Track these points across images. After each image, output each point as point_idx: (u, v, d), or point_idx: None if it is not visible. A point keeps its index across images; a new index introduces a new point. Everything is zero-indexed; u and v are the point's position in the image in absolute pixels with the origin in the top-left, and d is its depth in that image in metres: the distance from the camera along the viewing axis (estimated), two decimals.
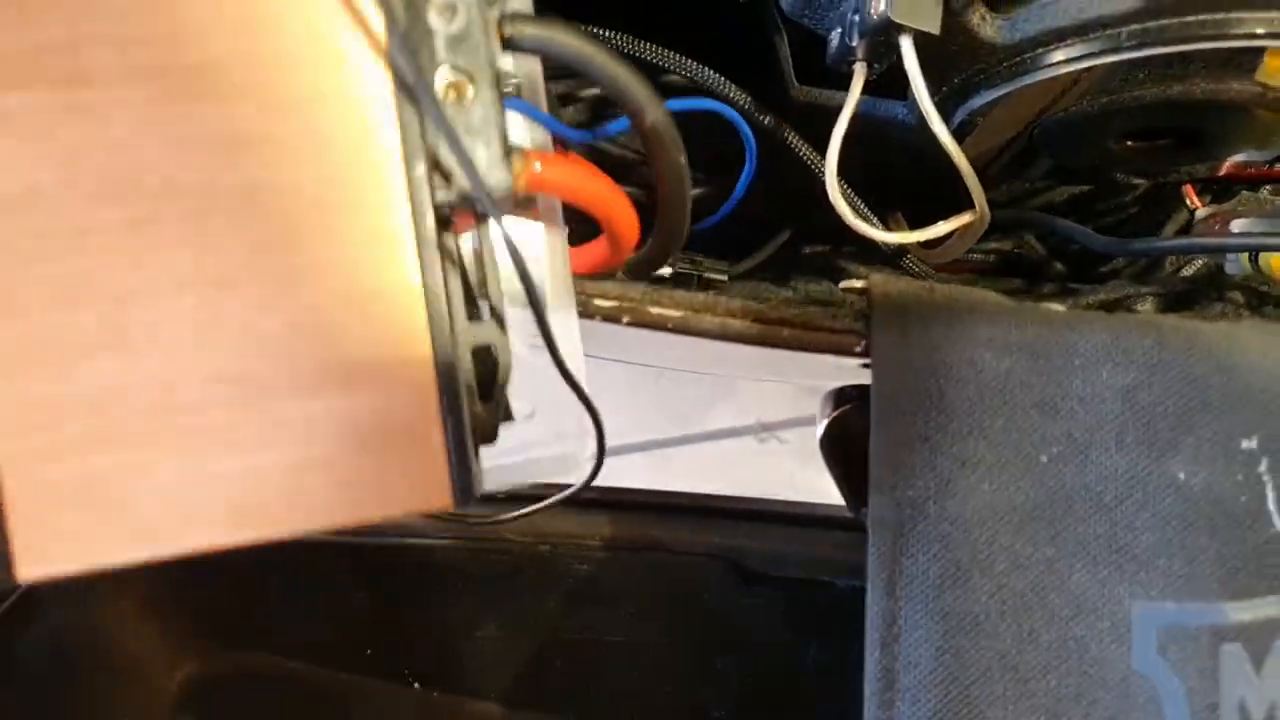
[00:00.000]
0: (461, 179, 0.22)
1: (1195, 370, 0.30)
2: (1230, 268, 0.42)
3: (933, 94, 0.32)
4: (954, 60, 0.34)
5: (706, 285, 0.43)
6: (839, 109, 0.34)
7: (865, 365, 0.32)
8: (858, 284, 0.33)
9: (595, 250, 0.29)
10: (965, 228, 0.36)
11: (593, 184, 0.25)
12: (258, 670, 0.49)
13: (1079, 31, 0.32)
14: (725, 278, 0.43)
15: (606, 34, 0.38)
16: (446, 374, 0.22)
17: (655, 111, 0.24)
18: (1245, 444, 0.30)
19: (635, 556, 0.47)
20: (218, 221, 0.20)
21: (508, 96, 0.23)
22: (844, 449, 0.36)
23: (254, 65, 0.20)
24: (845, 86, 0.34)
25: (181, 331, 0.20)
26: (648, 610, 0.49)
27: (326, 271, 0.21)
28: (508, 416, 0.25)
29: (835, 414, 0.35)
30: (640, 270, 0.31)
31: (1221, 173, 0.44)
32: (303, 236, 0.21)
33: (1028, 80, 0.34)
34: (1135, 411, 0.30)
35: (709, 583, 0.48)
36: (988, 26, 0.33)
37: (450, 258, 0.22)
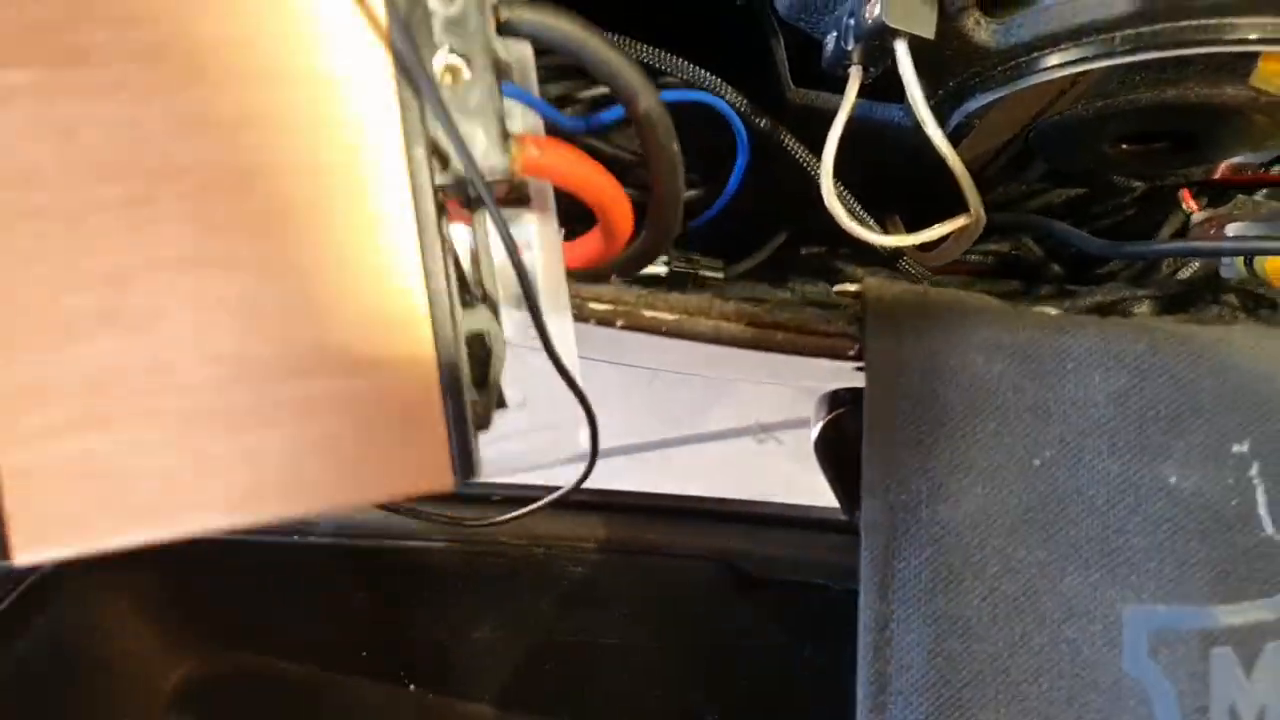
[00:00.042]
0: (459, 162, 0.21)
1: (1187, 374, 0.30)
2: (1226, 271, 0.43)
3: (928, 97, 0.32)
4: (949, 64, 0.34)
5: (702, 284, 0.43)
6: (835, 112, 0.34)
7: (860, 369, 0.32)
8: (851, 288, 0.33)
9: (589, 243, 0.29)
10: (961, 231, 0.36)
11: (588, 170, 0.25)
12: (255, 670, 0.49)
13: (1073, 36, 0.32)
14: (721, 275, 0.43)
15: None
16: (446, 354, 0.21)
17: (649, 98, 0.24)
18: (1236, 448, 0.30)
19: (630, 559, 0.47)
20: (217, 201, 0.20)
21: (503, 81, 0.23)
22: (838, 452, 0.36)
23: (254, 46, 0.20)
24: (842, 90, 0.34)
25: (180, 311, 0.20)
26: (642, 613, 0.49)
27: (326, 252, 0.21)
28: (501, 404, 0.25)
29: (829, 417, 0.36)
30: (634, 264, 0.31)
31: (1217, 176, 0.44)
32: (302, 217, 0.21)
33: (1022, 84, 0.34)
34: (1127, 415, 0.30)
35: (703, 586, 0.48)
36: (982, 31, 0.33)
37: (447, 242, 0.22)
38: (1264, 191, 0.44)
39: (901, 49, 0.32)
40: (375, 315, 0.21)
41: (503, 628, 0.50)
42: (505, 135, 0.22)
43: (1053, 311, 0.33)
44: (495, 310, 0.24)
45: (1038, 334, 0.31)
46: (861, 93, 0.34)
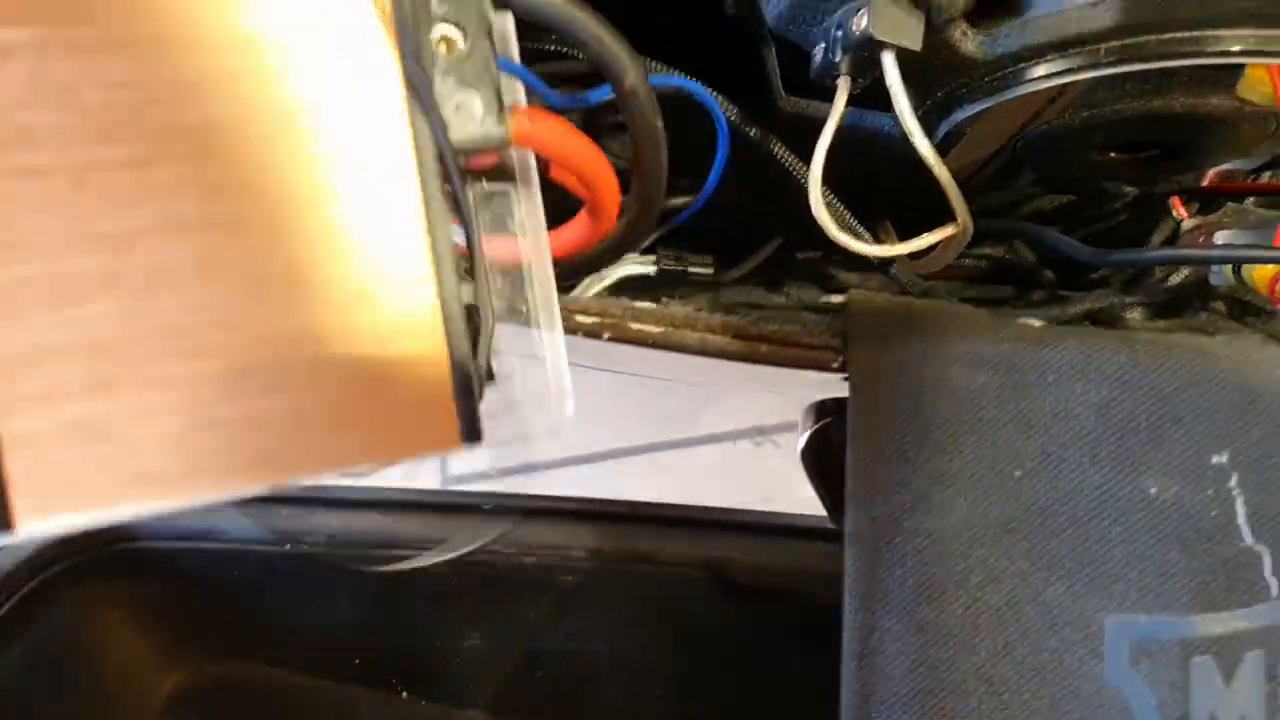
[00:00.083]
0: (460, 128, 0.22)
1: (1167, 386, 0.31)
2: (1215, 278, 0.43)
3: (916, 108, 0.33)
4: (936, 75, 0.34)
5: (692, 282, 0.43)
6: (826, 121, 0.34)
7: (846, 379, 0.32)
8: (837, 299, 0.33)
9: (574, 227, 0.29)
10: (948, 239, 0.36)
11: (579, 142, 0.25)
12: (246, 679, 0.50)
13: (1059, 48, 0.32)
14: (710, 272, 0.43)
15: None
16: (452, 317, 0.21)
17: (635, 75, 0.24)
18: (1215, 459, 0.30)
19: (620, 568, 0.48)
20: (221, 163, 0.20)
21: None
22: (823, 462, 0.36)
23: (255, 11, 0.20)
24: (832, 99, 0.34)
25: (185, 275, 0.19)
26: (632, 621, 0.49)
27: (332, 215, 0.21)
28: (490, 376, 0.25)
29: (815, 427, 0.36)
30: (621, 247, 0.30)
31: (1206, 183, 0.44)
32: (307, 180, 0.20)
33: (1009, 95, 0.34)
34: (1108, 427, 0.30)
35: (694, 594, 0.48)
36: (969, 42, 0.33)
37: (464, 205, 0.22)
38: (1253, 199, 0.44)
39: (889, 61, 0.32)
40: (382, 279, 0.21)
41: (494, 636, 0.50)
42: (502, 106, 0.22)
43: (1036, 324, 0.33)
44: (487, 285, 0.24)
45: (1019, 346, 0.31)
46: (851, 101, 0.34)
